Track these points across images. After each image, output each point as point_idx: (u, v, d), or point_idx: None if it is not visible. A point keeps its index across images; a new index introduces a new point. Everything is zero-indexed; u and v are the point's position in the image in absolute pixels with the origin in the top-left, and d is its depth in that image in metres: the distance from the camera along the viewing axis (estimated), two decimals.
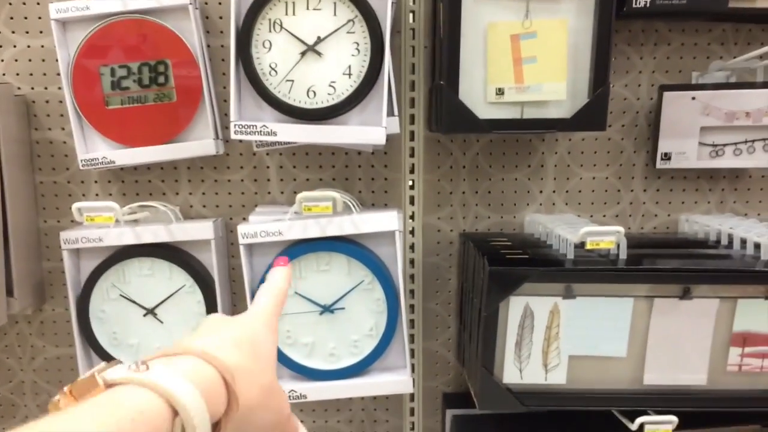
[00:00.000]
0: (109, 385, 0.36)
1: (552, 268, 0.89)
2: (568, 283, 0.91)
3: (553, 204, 1.15)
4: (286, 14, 0.91)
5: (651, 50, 1.10)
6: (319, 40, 0.92)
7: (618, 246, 0.92)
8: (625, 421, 0.94)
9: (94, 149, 1.02)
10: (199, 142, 1.01)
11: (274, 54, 0.92)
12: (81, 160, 1.00)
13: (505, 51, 0.93)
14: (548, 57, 0.92)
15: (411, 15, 1.07)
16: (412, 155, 1.11)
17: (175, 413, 0.35)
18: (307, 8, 0.91)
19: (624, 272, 0.89)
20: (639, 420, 0.92)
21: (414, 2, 1.06)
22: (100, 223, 0.97)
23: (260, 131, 0.92)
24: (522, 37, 0.92)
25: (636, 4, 0.97)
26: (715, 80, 1.07)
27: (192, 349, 0.41)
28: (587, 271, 0.89)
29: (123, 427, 0.33)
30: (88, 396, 0.36)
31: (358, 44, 0.92)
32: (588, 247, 0.90)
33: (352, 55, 0.92)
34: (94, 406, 0.34)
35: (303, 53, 0.92)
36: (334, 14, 0.91)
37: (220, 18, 1.06)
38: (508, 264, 0.89)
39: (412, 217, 1.13)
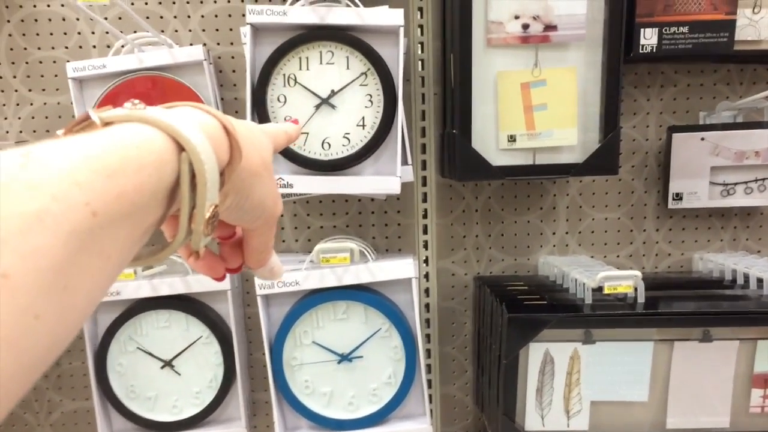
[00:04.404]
0: (107, 124, 0.32)
1: (571, 314, 0.89)
2: (587, 329, 0.91)
3: (567, 245, 1.15)
4: (300, 69, 0.93)
5: (658, 92, 1.11)
6: (333, 93, 0.93)
7: (636, 289, 0.92)
8: None
9: None
10: None
11: (289, 108, 0.94)
12: None
13: (516, 99, 0.94)
14: (558, 104, 0.94)
15: (420, 63, 1.09)
16: (424, 200, 1.12)
17: (181, 149, 0.32)
18: (321, 63, 0.93)
19: (643, 316, 0.89)
20: None
21: (423, 51, 1.08)
22: (121, 280, 0.98)
23: (276, 184, 0.93)
24: (532, 85, 0.94)
25: (642, 49, 0.99)
26: (723, 120, 1.08)
27: (187, 103, 0.37)
28: (607, 317, 0.89)
29: (128, 154, 0.29)
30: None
31: (371, 96, 0.93)
32: (606, 291, 0.90)
33: (366, 107, 0.94)
34: (94, 136, 0.29)
35: (317, 106, 0.93)
36: (347, 68, 0.93)
37: (234, 71, 1.08)
38: (526, 311, 0.89)
39: (426, 262, 1.14)
